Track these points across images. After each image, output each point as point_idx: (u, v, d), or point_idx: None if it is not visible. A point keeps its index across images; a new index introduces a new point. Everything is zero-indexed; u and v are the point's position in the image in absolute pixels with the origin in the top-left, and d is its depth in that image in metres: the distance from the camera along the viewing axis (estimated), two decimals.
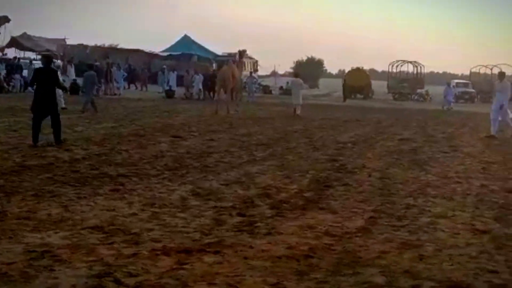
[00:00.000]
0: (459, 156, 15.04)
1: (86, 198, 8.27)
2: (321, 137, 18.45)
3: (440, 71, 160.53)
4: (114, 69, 41.21)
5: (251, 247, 6.29)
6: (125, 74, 45.94)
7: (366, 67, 77.59)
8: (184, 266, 5.55)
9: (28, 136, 13.73)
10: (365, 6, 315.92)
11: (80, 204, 7.90)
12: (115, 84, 40.32)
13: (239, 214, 7.75)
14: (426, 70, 74.30)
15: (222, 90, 28.75)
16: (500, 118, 20.93)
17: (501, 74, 23.25)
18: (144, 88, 48.80)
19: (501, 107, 20.76)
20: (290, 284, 5.18)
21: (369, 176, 11.32)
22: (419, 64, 68.86)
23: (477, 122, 28.63)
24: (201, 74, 42.67)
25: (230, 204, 8.35)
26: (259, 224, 7.29)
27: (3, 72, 37.58)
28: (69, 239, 6.30)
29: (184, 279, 5.18)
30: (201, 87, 41.15)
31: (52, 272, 5.23)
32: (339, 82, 67.20)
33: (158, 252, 5.94)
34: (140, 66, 54.71)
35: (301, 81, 32.18)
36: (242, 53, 34.55)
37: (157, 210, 7.81)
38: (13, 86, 36.59)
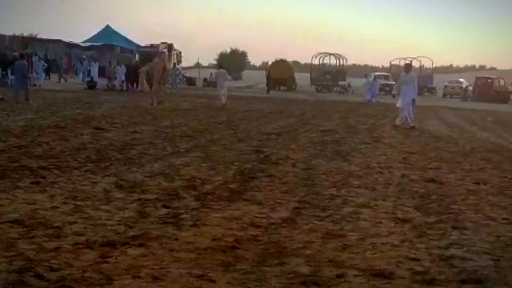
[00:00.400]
0: (381, 147, 15.34)
1: (5, 192, 8.02)
2: (245, 129, 18.49)
3: (362, 64, 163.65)
4: (35, 59, 40.20)
5: (176, 239, 6.24)
6: (45, 64, 44.82)
7: (290, 59, 78.07)
8: (108, 260, 5.45)
9: None
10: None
11: None
12: (35, 74, 39.28)
13: (164, 206, 7.68)
14: (348, 62, 75.62)
15: (155, 82, 28.49)
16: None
17: (407, 66, 23.72)
18: (62, 79, 47.70)
19: (413, 101, 21.34)
20: (216, 276, 5.16)
21: (293, 167, 11.42)
22: (341, 56, 69.96)
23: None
24: (124, 65, 42.09)
25: (155, 196, 8.26)
26: (184, 216, 7.24)
27: None
28: None
29: (108, 273, 5.09)
30: (123, 78, 40.60)
31: None
32: (263, 74, 67.44)
33: (81, 246, 5.82)
34: (59, 57, 53.59)
35: (225, 72, 32.28)
36: (171, 47, 35.25)
37: (79, 203, 7.64)
38: None
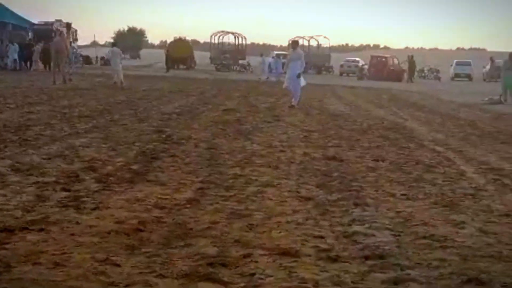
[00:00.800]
0: (282, 126, 15.47)
1: None
2: (145, 109, 18.27)
3: (261, 43, 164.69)
4: None
5: (77, 223, 6.04)
6: None
7: (189, 37, 77.67)
8: (6, 246, 5.21)
9: None
10: None
11: None
12: None
13: (64, 189, 7.43)
14: (248, 41, 75.89)
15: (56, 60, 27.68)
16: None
17: (294, 43, 23.92)
18: None
19: (298, 75, 21.52)
20: (120, 260, 5.02)
21: (196, 146, 11.34)
22: (240, 35, 70.12)
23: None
24: (17, 44, 40.61)
25: (53, 179, 7.98)
26: (85, 199, 7.03)
27: None
28: None
29: (6, 260, 4.85)
30: (16, 57, 39.20)
31: None
32: (161, 52, 66.82)
33: None
34: None
35: (119, 50, 31.94)
36: (69, 26, 34.55)
37: None
38: None
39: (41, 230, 5.74)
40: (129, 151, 10.50)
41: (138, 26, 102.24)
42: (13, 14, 59.95)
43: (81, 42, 68.56)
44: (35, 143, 10.76)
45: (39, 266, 4.81)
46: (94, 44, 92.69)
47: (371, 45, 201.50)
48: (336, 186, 8.31)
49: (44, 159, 9.34)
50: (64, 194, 7.23)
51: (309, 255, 5.35)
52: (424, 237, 6.03)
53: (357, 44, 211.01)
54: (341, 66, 66.86)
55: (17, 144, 10.53)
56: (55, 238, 5.53)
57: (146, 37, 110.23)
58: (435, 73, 66.03)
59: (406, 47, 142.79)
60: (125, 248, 5.35)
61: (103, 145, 10.91)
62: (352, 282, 4.77)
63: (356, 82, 50.08)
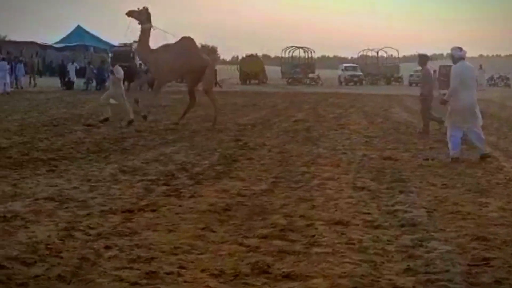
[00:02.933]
0: (346, 133, 17.12)
1: (28, 178, 9.57)
2: (222, 121, 20.11)
3: (331, 55, 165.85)
4: (18, 62, 40.95)
5: (180, 206, 7.89)
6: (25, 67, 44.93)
7: (260, 53, 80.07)
8: (131, 221, 7.09)
9: None
10: None
11: (25, 182, 9.21)
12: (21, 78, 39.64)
13: (164, 184, 9.32)
14: (317, 54, 77.54)
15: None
16: None
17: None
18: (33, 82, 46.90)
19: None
20: (215, 227, 6.84)
21: (269, 151, 13.10)
22: (309, 49, 71.74)
23: (364, 102, 31.24)
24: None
25: (155, 177, 9.88)
26: (182, 190, 8.88)
27: None
28: (29, 207, 7.65)
29: (133, 228, 6.73)
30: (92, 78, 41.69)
31: (27, 229, 6.64)
32: (233, 68, 69.12)
33: (107, 212, 7.45)
34: (33, 59, 54.43)
35: None
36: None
37: (93, 184, 9.23)
38: None
39: (154, 210, 7.62)
40: (212, 155, 12.35)
41: (210, 43, 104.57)
42: (93, 37, 63.32)
43: None
44: (134, 151, 12.75)
45: (157, 232, 6.66)
46: None
47: (444, 54, 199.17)
48: (387, 179, 9.94)
49: (143, 163, 11.27)
50: (165, 187, 9.10)
51: (357, 224, 7.05)
52: (451, 213, 7.64)
53: (429, 53, 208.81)
54: (411, 76, 67.58)
55: (119, 153, 12.51)
56: (165, 216, 7.38)
57: (218, 54, 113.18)
58: (505, 81, 66.12)
59: (481, 55, 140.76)
60: (217, 221, 7.16)
61: (190, 152, 12.80)
62: (388, 240, 6.42)
63: None
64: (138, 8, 18.68)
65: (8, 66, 35.07)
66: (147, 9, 18.67)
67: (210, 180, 9.75)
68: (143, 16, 18.60)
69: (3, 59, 30.83)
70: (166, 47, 19.12)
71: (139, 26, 18.78)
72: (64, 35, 66.76)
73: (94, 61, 48.63)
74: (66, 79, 42.53)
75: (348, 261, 5.69)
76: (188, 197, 8.48)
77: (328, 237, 6.52)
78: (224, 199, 8.38)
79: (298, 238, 6.49)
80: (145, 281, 5.16)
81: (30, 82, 43.40)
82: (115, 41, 61.54)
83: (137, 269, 5.43)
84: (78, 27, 67.76)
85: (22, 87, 39.45)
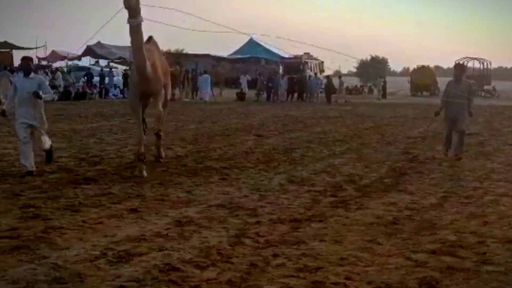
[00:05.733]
0: None
1: (202, 185, 10.04)
2: (392, 133, 19.95)
3: (509, 66, 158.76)
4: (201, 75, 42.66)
5: (346, 217, 7.95)
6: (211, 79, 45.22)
7: (431, 64, 78.19)
8: (298, 230, 7.25)
9: (129, 137, 15.69)
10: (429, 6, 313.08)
11: (199, 190, 9.67)
12: (203, 90, 41.02)
13: (332, 195, 9.41)
14: (494, 65, 74.50)
15: None
16: None
17: None
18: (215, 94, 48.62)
19: None
20: (382, 240, 6.83)
21: (440, 165, 12.81)
22: (485, 60, 68.99)
23: None
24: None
25: (322, 188, 10.01)
26: (350, 202, 8.93)
27: (84, 79, 40.20)
28: (202, 213, 8.05)
29: (300, 238, 6.88)
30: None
31: (200, 234, 6.98)
32: (404, 80, 68.09)
33: (275, 221, 7.66)
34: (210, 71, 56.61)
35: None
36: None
37: (262, 193, 9.51)
38: (95, 93, 38.73)
39: (321, 221, 7.74)
40: (381, 168, 12.28)
41: (381, 55, 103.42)
42: (264, 49, 64.77)
43: (328, 72, 71.52)
44: (302, 162, 12.96)
45: (324, 242, 6.76)
46: (337, 73, 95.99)
47: None
48: None
49: (311, 174, 11.43)
50: (333, 198, 9.20)
51: None
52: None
53: None
54: None
55: (287, 163, 12.77)
56: (332, 227, 7.47)
57: (388, 65, 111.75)
58: None
59: None
60: (385, 234, 7.14)
61: (358, 164, 12.81)
62: None
63: None
64: None
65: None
66: None
67: (377, 192, 9.72)
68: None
69: (205, 72, 33.51)
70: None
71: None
72: (236, 48, 68.89)
73: (265, 72, 49.69)
74: (239, 90, 43.88)
75: None
76: (355, 209, 8.51)
77: (501, 255, 6.32)
78: (391, 212, 8.33)
79: (468, 255, 6.34)
80: None
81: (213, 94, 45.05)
82: (286, 54, 62.83)
83: (304, 278, 5.55)
84: (251, 39, 69.62)
85: (206, 100, 40.58)
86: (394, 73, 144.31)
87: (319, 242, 6.77)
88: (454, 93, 13.33)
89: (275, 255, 6.24)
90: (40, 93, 10.67)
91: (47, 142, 11.40)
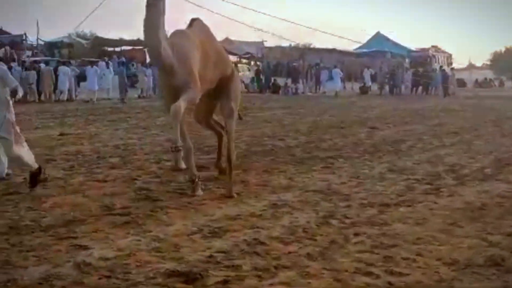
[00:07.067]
0: None
1: (304, 173, 10.60)
2: (511, 126, 19.65)
3: None
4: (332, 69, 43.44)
5: (435, 203, 8.29)
6: (341, 73, 45.69)
7: None
8: (384, 214, 7.68)
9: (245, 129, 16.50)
10: None
11: (301, 177, 10.24)
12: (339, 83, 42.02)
13: (428, 183, 9.71)
14: None
15: None
16: None
17: None
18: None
19: None
20: (464, 223, 7.16)
21: None
22: None
23: None
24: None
25: (420, 177, 10.30)
26: (443, 189, 9.23)
27: None
28: (298, 197, 8.62)
29: (385, 220, 7.32)
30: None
31: (291, 215, 7.57)
32: None
33: (365, 205, 8.12)
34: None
35: None
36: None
37: (361, 180, 9.96)
38: None
39: (409, 206, 8.13)
40: (486, 158, 12.38)
41: None
42: (393, 43, 64.41)
43: (456, 65, 70.01)
44: (408, 152, 13.26)
45: (406, 224, 7.19)
46: (470, 66, 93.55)
47: None
48: None
49: (414, 164, 11.72)
50: (427, 186, 9.51)
51: None
52: None
53: None
54: None
55: (393, 153, 13.10)
56: (419, 211, 7.85)
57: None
58: None
59: None
60: (468, 218, 7.46)
61: (464, 154, 12.95)
62: None
63: None
64: None
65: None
66: None
67: (474, 181, 9.93)
68: None
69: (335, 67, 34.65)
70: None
71: None
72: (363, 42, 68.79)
73: (390, 66, 49.48)
74: (362, 84, 44.07)
75: None
76: (446, 195, 8.82)
77: None
78: (482, 199, 8.57)
79: None
80: (380, 263, 5.74)
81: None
82: (413, 47, 62.17)
83: (377, 254, 6.02)
84: (378, 33, 69.42)
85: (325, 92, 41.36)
86: None
87: (401, 224, 7.19)
88: None
89: (356, 234, 6.73)
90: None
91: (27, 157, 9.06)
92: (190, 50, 8.44)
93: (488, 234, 6.72)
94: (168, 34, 8.68)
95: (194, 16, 9.44)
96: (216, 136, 10.63)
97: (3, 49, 40.20)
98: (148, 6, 7.85)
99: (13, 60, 34.37)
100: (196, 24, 9.06)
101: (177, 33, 8.78)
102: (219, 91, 9.31)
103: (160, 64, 8.38)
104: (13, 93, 8.82)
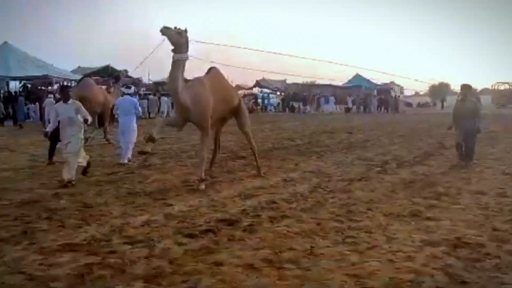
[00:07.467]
0: None
1: (304, 161, 10.69)
2: (437, 131, 19.31)
3: None
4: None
5: (382, 179, 8.36)
6: (334, 99, 45.70)
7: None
8: (351, 185, 7.79)
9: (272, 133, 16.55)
10: None
11: (302, 163, 10.35)
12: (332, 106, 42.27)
13: (379, 167, 9.68)
14: None
15: None
16: None
17: None
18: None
19: None
20: (398, 191, 7.25)
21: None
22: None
23: None
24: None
25: (375, 163, 10.29)
26: (389, 171, 9.26)
27: (252, 100, 41.90)
28: (299, 175, 8.73)
29: (348, 188, 7.45)
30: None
31: (294, 186, 7.74)
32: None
33: (340, 180, 8.24)
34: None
35: None
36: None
37: (339, 165, 10.00)
38: (259, 109, 40.26)
39: (366, 180, 8.24)
40: (417, 151, 12.32)
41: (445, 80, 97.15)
42: (366, 80, 63.08)
43: (406, 93, 68.47)
44: (370, 148, 13.22)
45: (363, 191, 7.28)
46: (415, 94, 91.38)
47: None
48: None
49: (373, 155, 11.67)
50: (379, 169, 9.53)
51: None
52: None
53: None
54: None
55: (361, 148, 13.09)
56: (372, 184, 7.96)
57: (452, 88, 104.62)
58: None
59: None
60: (401, 188, 7.53)
61: (405, 149, 12.87)
62: None
63: None
64: (176, 27, 7.45)
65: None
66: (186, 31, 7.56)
67: (408, 165, 9.94)
68: (182, 39, 7.47)
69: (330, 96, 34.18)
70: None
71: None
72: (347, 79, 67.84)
73: (364, 95, 48.58)
74: (346, 106, 43.51)
75: None
76: (390, 174, 8.88)
77: None
78: (411, 176, 8.64)
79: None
80: (345, 214, 5.92)
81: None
82: (379, 82, 60.73)
83: (343, 209, 6.19)
84: (357, 74, 68.38)
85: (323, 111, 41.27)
86: (455, 93, 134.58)
87: (360, 191, 7.32)
88: (461, 111, 10.02)
89: (332, 197, 6.90)
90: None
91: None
92: (203, 94, 7.62)
93: (413, 198, 6.83)
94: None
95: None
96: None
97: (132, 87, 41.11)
98: (173, 63, 7.36)
99: (136, 94, 35.02)
100: (211, 72, 8.32)
101: (195, 80, 8.01)
102: (233, 114, 8.70)
103: (178, 103, 7.60)
104: (85, 120, 8.05)
